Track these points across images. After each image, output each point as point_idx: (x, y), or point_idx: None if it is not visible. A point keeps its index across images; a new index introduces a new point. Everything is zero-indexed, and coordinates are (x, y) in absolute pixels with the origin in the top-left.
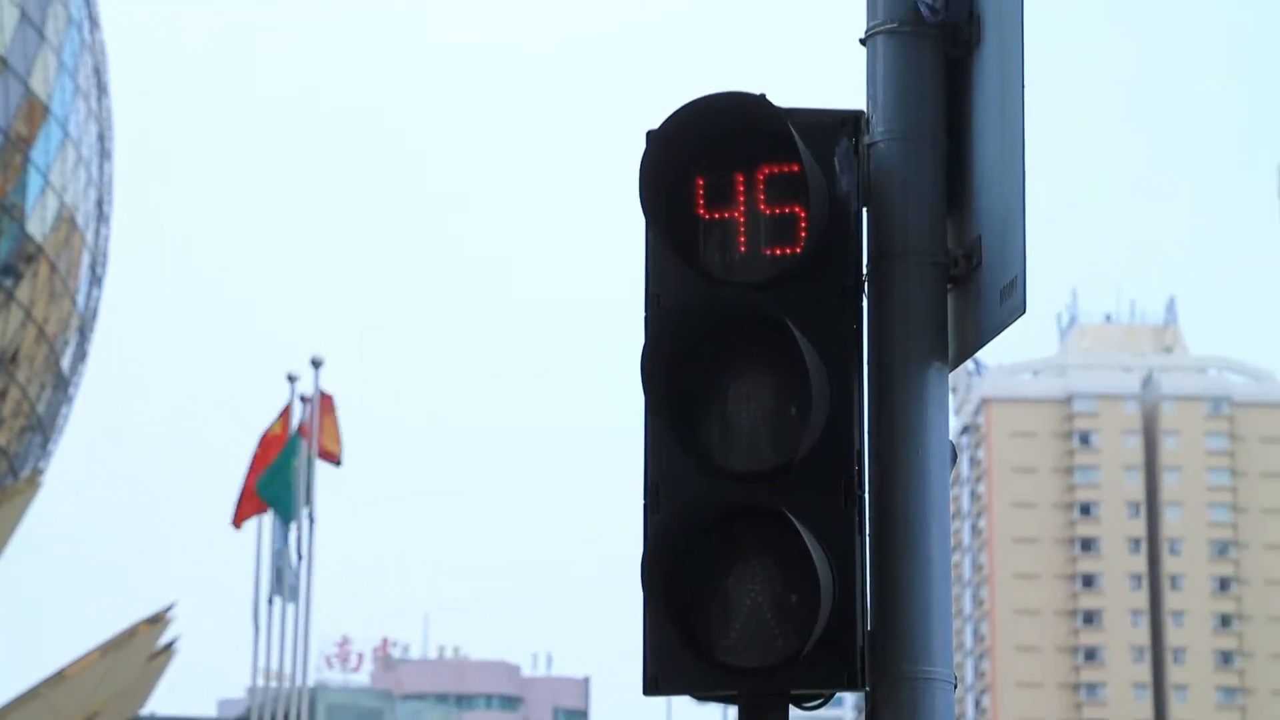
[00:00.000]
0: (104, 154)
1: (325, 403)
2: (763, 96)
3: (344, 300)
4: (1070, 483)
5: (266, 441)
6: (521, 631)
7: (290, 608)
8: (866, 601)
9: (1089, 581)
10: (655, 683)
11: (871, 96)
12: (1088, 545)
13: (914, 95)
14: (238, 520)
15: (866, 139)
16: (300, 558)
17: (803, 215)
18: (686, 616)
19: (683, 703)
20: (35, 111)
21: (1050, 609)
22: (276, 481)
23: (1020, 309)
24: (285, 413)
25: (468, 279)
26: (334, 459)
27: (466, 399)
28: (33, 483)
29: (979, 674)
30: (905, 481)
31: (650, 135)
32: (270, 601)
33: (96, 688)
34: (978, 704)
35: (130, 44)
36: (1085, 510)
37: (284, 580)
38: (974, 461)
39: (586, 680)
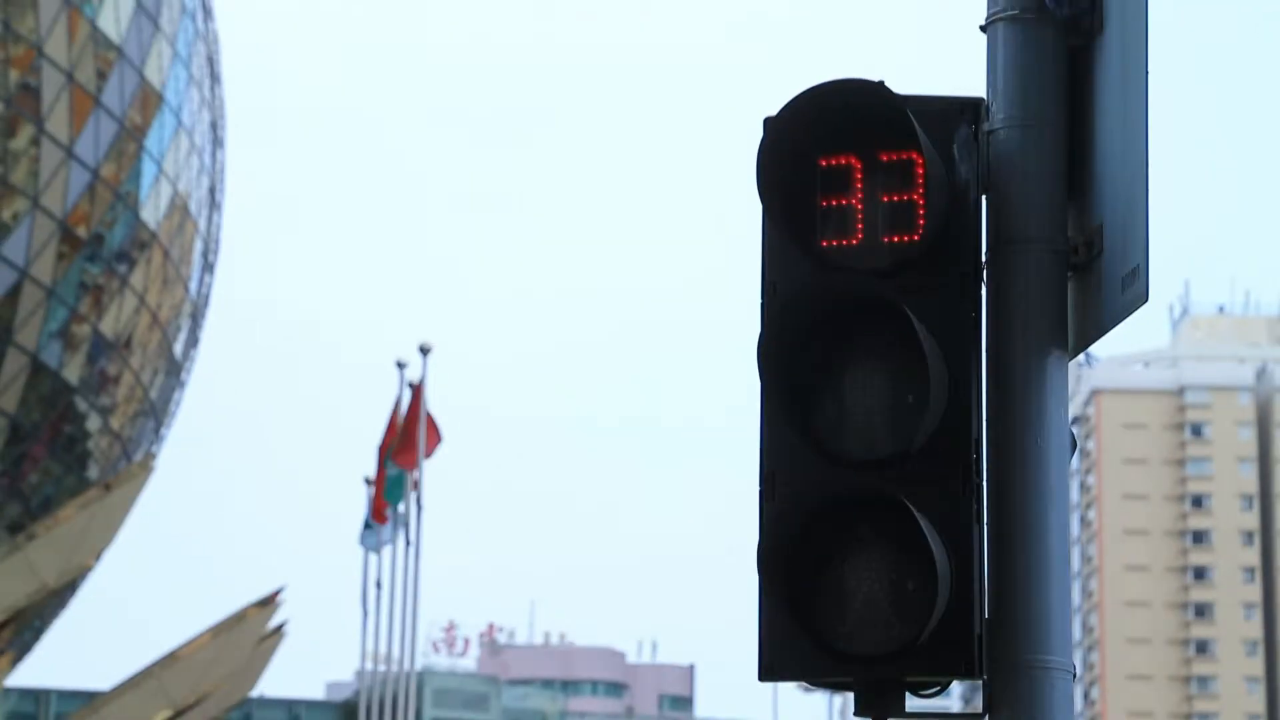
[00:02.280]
0: (216, 142)
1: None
2: (881, 83)
3: (454, 288)
4: (1182, 474)
5: (393, 433)
6: (627, 618)
7: (398, 591)
8: (984, 590)
9: (1200, 574)
10: (771, 669)
11: (991, 83)
12: (1199, 538)
13: (1035, 82)
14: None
15: (986, 126)
16: (408, 543)
17: (921, 202)
18: (802, 604)
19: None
20: (150, 100)
21: (1161, 601)
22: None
23: (1143, 297)
24: (414, 405)
25: (582, 268)
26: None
27: (576, 388)
28: (145, 467)
29: (1088, 666)
30: (1023, 470)
31: (768, 122)
32: (379, 586)
33: (207, 669)
34: (1086, 696)
35: (244, 32)
36: (1197, 502)
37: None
38: (1084, 453)
39: (691, 668)
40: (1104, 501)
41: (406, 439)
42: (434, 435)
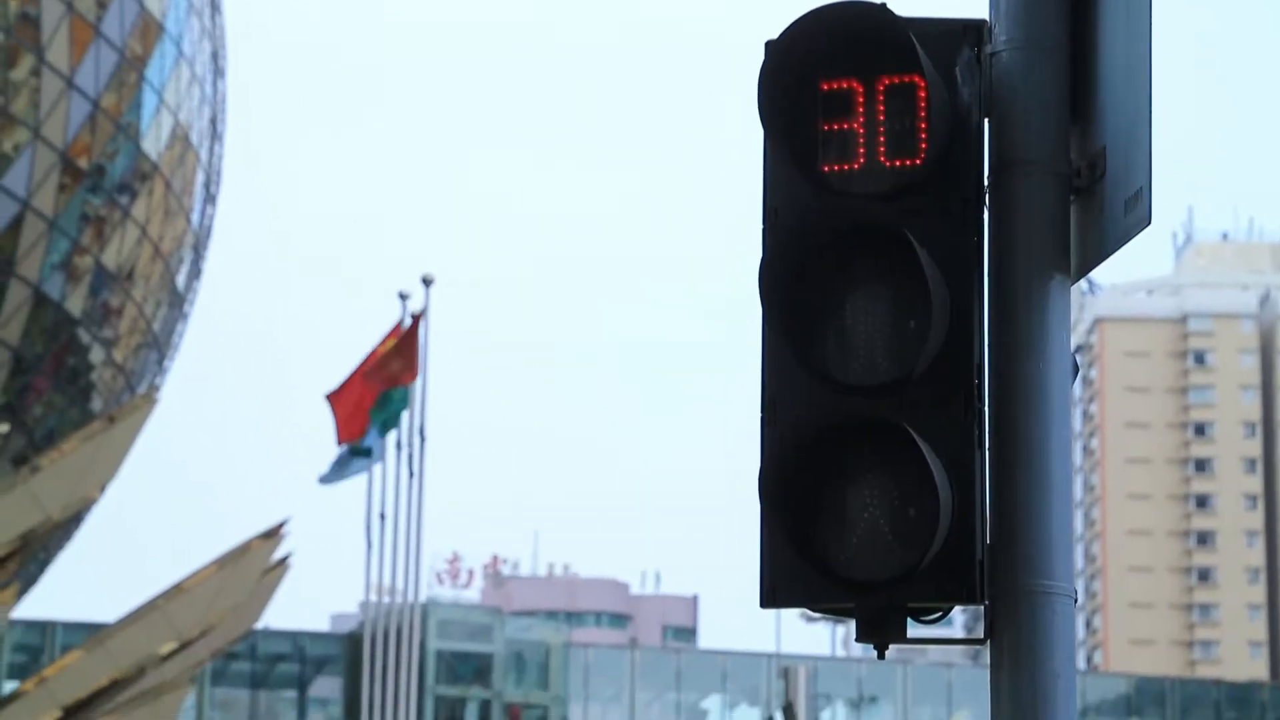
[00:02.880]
0: (217, 72)
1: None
2: (883, 5)
3: (454, 218)
4: (1185, 403)
5: (375, 358)
6: (630, 549)
7: (402, 523)
8: (985, 515)
9: (1203, 502)
10: (773, 595)
11: (994, 5)
12: (1202, 466)
13: (1038, 3)
14: (342, 438)
15: (989, 48)
16: (411, 474)
17: (923, 126)
18: (803, 530)
19: (791, 622)
20: (150, 30)
21: (1163, 529)
22: (388, 408)
23: (1145, 220)
24: (395, 330)
25: (580, 197)
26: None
27: (578, 316)
28: (149, 399)
29: (1090, 594)
30: (1025, 395)
31: (769, 45)
32: (382, 518)
33: (212, 601)
34: (1089, 624)
35: None
36: (1200, 430)
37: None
38: (1086, 381)
39: (695, 598)
40: (1106, 430)
41: (405, 358)
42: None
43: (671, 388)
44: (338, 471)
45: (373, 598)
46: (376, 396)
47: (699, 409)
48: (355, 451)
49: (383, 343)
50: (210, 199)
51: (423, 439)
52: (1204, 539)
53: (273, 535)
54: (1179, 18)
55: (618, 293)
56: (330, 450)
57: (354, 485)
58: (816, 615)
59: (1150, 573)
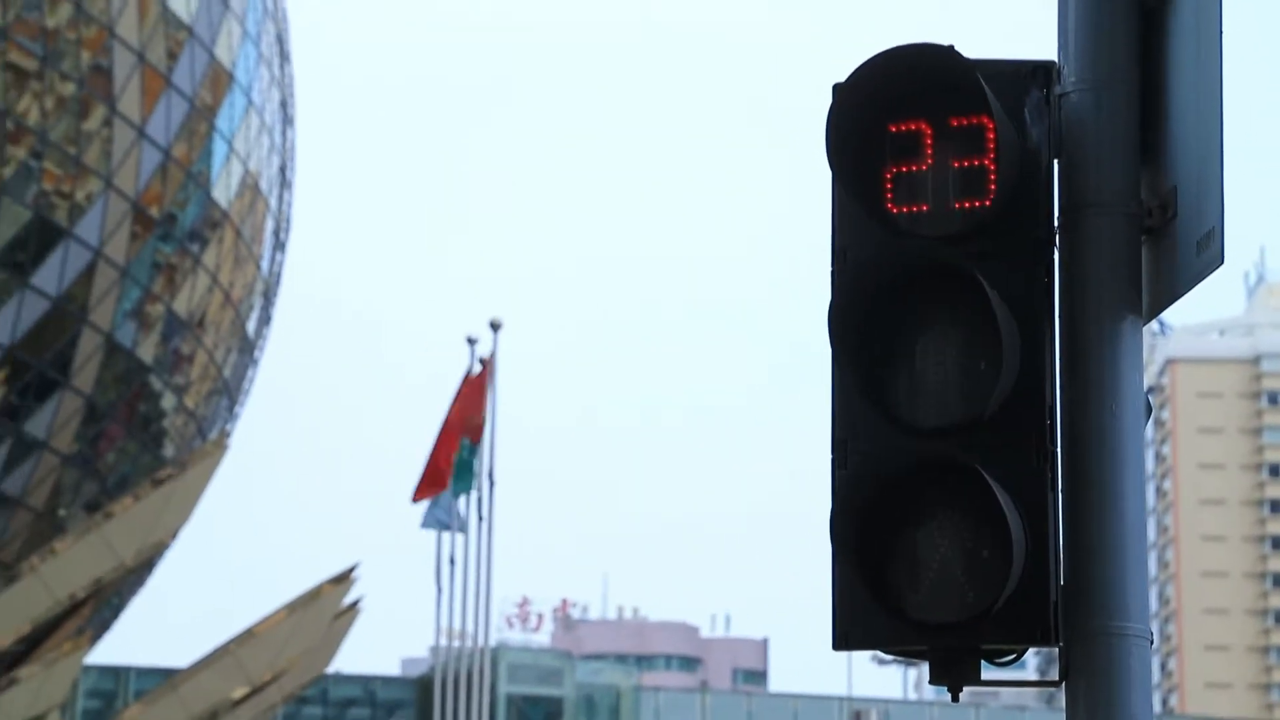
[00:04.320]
0: (286, 120)
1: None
2: (951, 48)
3: (525, 264)
4: (1259, 443)
5: (454, 410)
6: (700, 592)
7: (472, 568)
8: (1059, 557)
9: (1278, 544)
10: (845, 639)
11: (1063, 46)
12: (1277, 507)
13: (1107, 44)
14: (417, 496)
15: (1058, 89)
16: (481, 519)
17: (992, 167)
18: (876, 572)
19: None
20: (220, 79)
21: (1239, 572)
22: (462, 471)
23: (1218, 260)
24: (468, 378)
25: (651, 244)
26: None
27: (648, 361)
28: (220, 445)
29: (1165, 637)
30: (1098, 436)
31: (837, 88)
32: (452, 562)
33: (284, 646)
34: (1164, 667)
35: (312, 9)
36: (1274, 471)
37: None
38: (1159, 423)
39: (765, 641)
40: (1180, 471)
41: (476, 405)
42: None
43: (741, 429)
44: (442, 518)
45: (443, 642)
46: (456, 449)
47: (768, 450)
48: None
49: (458, 394)
50: (280, 246)
51: (491, 483)
52: None
53: (343, 580)
54: (1252, 55)
55: (687, 335)
56: (401, 495)
57: (425, 530)
58: (889, 658)
59: (1226, 615)
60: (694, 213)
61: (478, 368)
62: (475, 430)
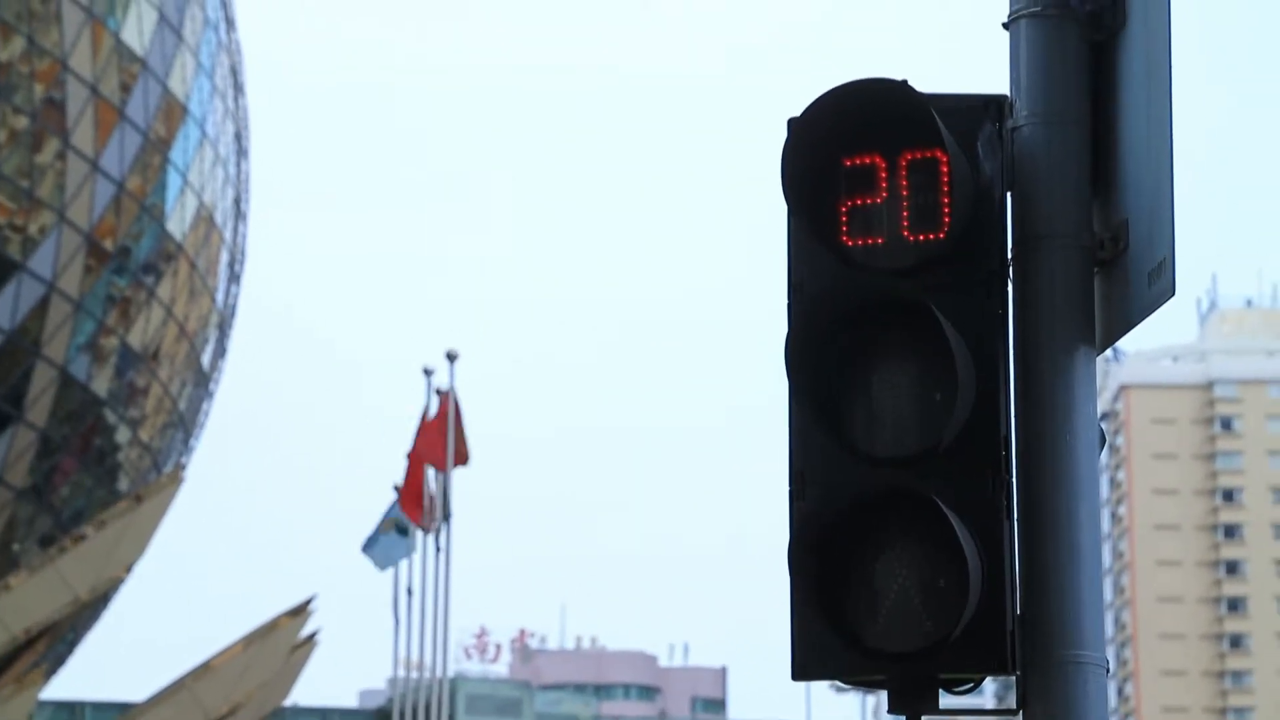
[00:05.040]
0: (240, 152)
1: (444, 403)
2: (904, 82)
3: (478, 294)
4: (1212, 469)
5: (420, 440)
6: (658, 621)
7: (429, 599)
8: (1016, 586)
9: (1233, 568)
10: (804, 669)
11: (1015, 80)
12: (1231, 531)
13: (1058, 78)
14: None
15: (1010, 123)
16: (438, 550)
17: (946, 200)
18: (833, 603)
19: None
20: (174, 112)
21: (1194, 596)
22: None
23: (1169, 291)
24: (424, 422)
25: (604, 272)
26: (462, 460)
27: (602, 391)
28: (175, 478)
29: (1121, 662)
30: (1053, 466)
31: (792, 123)
32: (409, 593)
33: (240, 679)
34: (1120, 692)
35: (266, 42)
36: (1228, 496)
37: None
38: (1113, 448)
39: (724, 670)
40: (1134, 497)
41: (437, 441)
42: (462, 448)
43: (697, 460)
44: (385, 553)
45: (401, 673)
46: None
47: (725, 480)
48: (399, 529)
49: (423, 424)
50: (235, 278)
51: (448, 516)
52: (1235, 605)
53: (300, 612)
54: (1201, 86)
55: (643, 366)
56: (356, 526)
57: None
58: (847, 686)
59: (1182, 640)
60: (653, 242)
61: (435, 403)
62: (439, 461)
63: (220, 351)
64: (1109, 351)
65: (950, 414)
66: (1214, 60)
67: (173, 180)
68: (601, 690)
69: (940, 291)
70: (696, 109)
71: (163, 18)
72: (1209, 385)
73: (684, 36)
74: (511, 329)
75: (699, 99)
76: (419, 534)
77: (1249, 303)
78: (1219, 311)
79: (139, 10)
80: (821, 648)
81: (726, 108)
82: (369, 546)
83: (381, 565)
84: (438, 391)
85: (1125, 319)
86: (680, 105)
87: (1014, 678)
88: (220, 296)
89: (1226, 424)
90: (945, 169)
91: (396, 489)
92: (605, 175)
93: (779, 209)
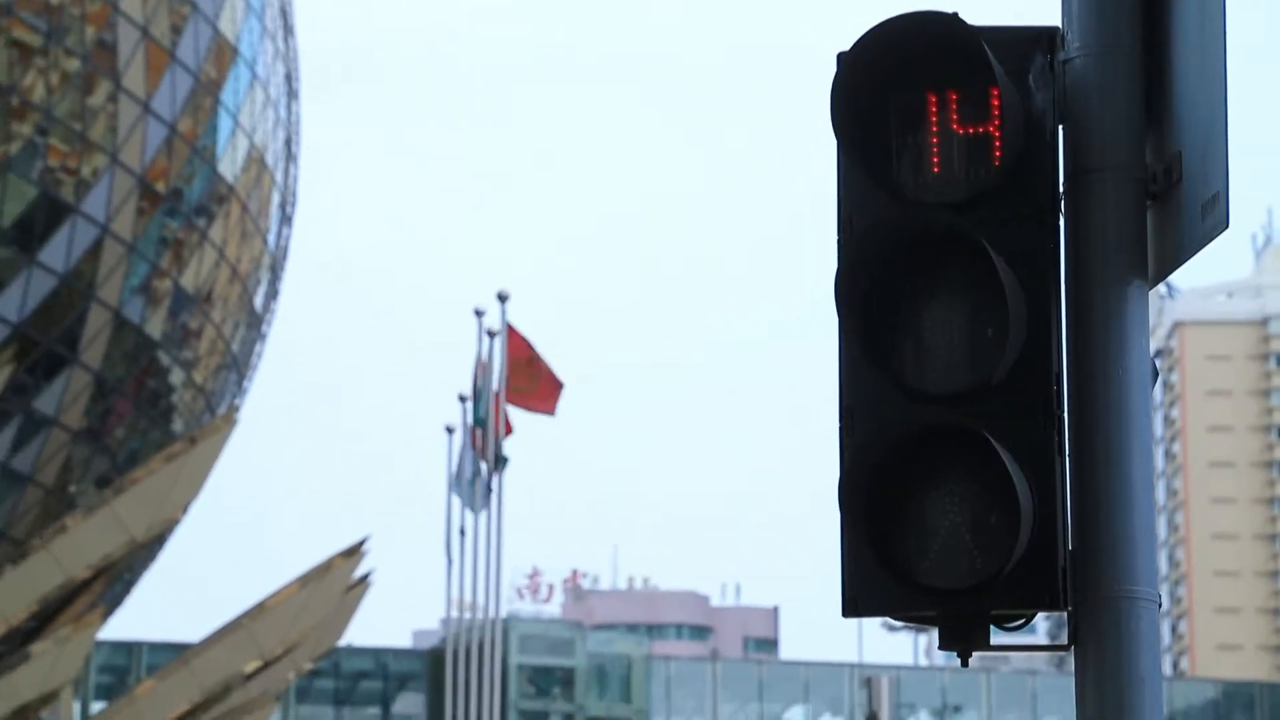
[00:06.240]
0: (291, 94)
1: (521, 347)
2: (955, 15)
3: (530, 234)
4: (1268, 405)
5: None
6: (710, 561)
7: (482, 539)
8: (1067, 522)
9: None
10: (854, 605)
11: (1066, 11)
12: None
13: (1110, 9)
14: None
15: (1061, 55)
16: (490, 491)
17: (997, 134)
18: (884, 539)
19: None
20: (224, 53)
21: (1248, 534)
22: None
23: (1223, 224)
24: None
25: (658, 215)
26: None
27: (654, 330)
28: (229, 419)
29: (1175, 600)
30: (1105, 401)
31: (841, 57)
32: (462, 534)
33: (295, 619)
34: (1174, 629)
35: None
36: None
37: (476, 491)
38: (1167, 386)
39: (776, 610)
40: (1189, 434)
41: (537, 382)
42: (553, 382)
43: (748, 398)
44: (473, 492)
45: (454, 614)
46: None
47: (776, 419)
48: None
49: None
50: (286, 220)
51: (501, 458)
52: None
53: (354, 553)
54: (1258, 16)
55: (694, 305)
56: (410, 467)
57: (435, 502)
58: (899, 624)
59: (1236, 577)
60: (697, 179)
61: (485, 339)
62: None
63: (273, 293)
64: (1163, 287)
65: (1002, 349)
66: None
67: (224, 122)
68: (654, 630)
69: (992, 226)
70: (743, 42)
71: None
72: (1264, 321)
73: None
74: (563, 268)
75: (746, 33)
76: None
77: None
78: (1274, 246)
79: None
80: (872, 584)
81: (773, 39)
82: (456, 486)
83: (474, 507)
84: (489, 333)
85: (1178, 253)
86: (728, 39)
87: (1065, 614)
88: (272, 238)
89: None
90: (996, 102)
91: (477, 425)
92: (653, 112)
93: (829, 143)
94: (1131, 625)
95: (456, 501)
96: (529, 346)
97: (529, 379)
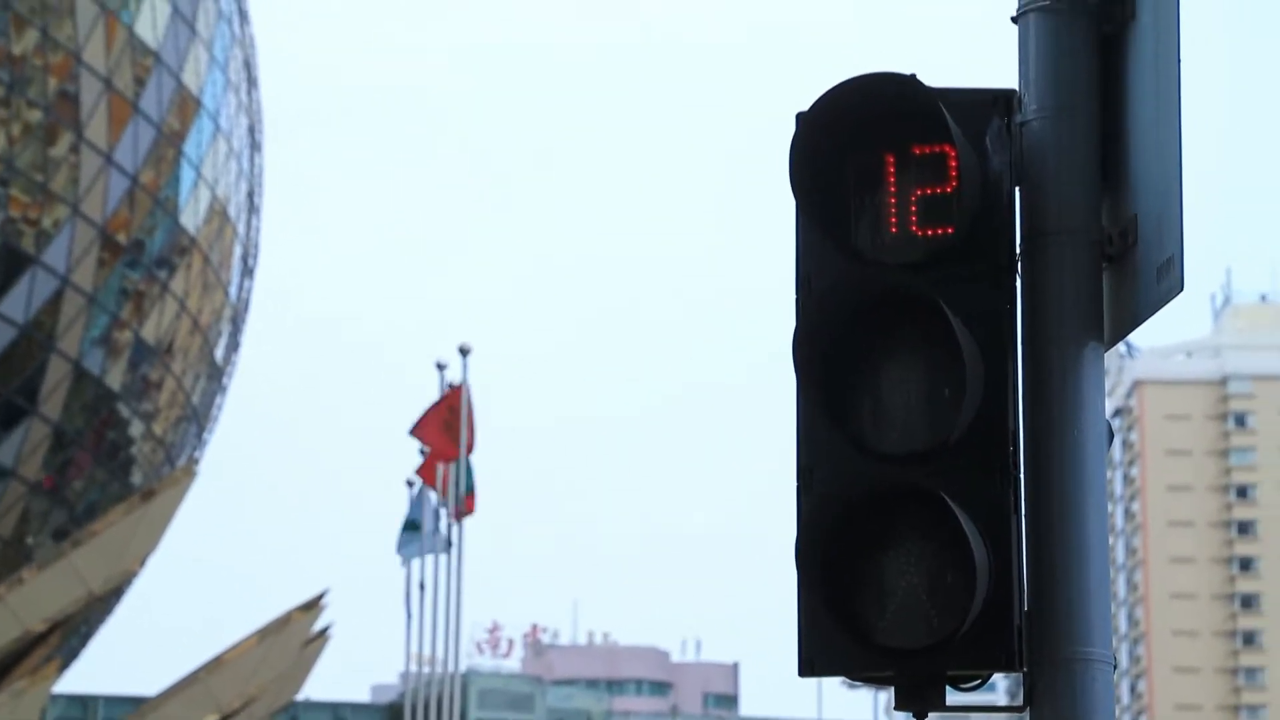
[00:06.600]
0: (254, 146)
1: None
2: (913, 77)
3: (491, 289)
4: (1226, 465)
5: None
6: (670, 617)
7: (441, 593)
8: (1023, 582)
9: (1246, 565)
10: (811, 665)
11: (1024, 74)
12: (1245, 528)
13: (1067, 72)
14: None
15: (1019, 117)
16: (450, 545)
17: (955, 195)
18: (841, 598)
19: (833, 688)
20: (187, 105)
21: (1207, 593)
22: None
23: (1178, 287)
24: (443, 399)
25: (617, 266)
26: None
27: (614, 385)
28: (188, 472)
29: (1134, 659)
30: (1061, 461)
31: (800, 117)
32: (421, 588)
33: (253, 673)
34: (1133, 689)
35: (280, 35)
36: (1242, 493)
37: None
38: (1127, 445)
39: (736, 666)
40: (1148, 493)
41: (449, 431)
42: (470, 437)
43: (709, 455)
44: (412, 547)
45: (413, 668)
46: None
47: (737, 476)
48: (409, 526)
49: (431, 412)
50: (248, 272)
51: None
52: (1248, 601)
53: (313, 607)
54: (1212, 77)
55: (655, 360)
56: (369, 521)
57: (394, 556)
58: (856, 683)
59: (1195, 637)
60: (662, 232)
61: (447, 392)
62: (448, 453)
63: (233, 345)
64: (1122, 347)
65: (958, 410)
66: (1228, 52)
67: (186, 174)
68: (613, 685)
69: (948, 286)
70: (703, 104)
71: (176, 11)
72: (1223, 381)
73: (690, 23)
74: (525, 321)
75: (705, 94)
76: (441, 525)
77: (1263, 298)
78: (1233, 307)
79: (152, 3)
80: (828, 644)
81: (733, 101)
82: (401, 547)
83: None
84: (450, 385)
85: (1133, 315)
86: (686, 100)
87: (1021, 675)
88: (233, 290)
89: (1240, 420)
90: (954, 163)
91: (412, 481)
92: (614, 166)
93: (788, 202)
94: (1086, 686)
95: (416, 557)
96: (464, 408)
97: (445, 425)
